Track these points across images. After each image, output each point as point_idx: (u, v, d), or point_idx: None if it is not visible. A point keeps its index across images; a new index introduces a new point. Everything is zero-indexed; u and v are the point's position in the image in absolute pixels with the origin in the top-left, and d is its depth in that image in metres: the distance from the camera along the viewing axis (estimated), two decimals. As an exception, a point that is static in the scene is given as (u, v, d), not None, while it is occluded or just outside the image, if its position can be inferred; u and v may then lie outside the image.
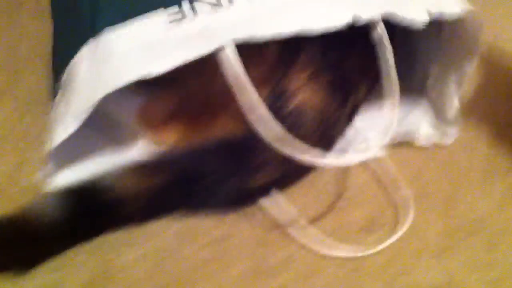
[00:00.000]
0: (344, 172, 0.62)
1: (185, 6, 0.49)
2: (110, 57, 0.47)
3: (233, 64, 0.47)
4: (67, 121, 0.48)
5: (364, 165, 0.61)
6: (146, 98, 0.60)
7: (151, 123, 0.60)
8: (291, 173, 0.58)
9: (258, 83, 0.51)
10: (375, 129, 0.62)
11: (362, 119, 0.63)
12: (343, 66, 0.57)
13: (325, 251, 0.54)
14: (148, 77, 0.45)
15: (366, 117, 0.64)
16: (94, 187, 0.52)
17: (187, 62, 0.46)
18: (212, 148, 0.55)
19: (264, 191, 0.57)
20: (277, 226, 0.56)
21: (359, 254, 0.53)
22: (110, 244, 0.53)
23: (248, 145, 0.55)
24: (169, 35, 0.48)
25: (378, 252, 0.54)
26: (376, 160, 0.61)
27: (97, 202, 0.52)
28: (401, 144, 0.62)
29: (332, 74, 0.56)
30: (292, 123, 0.54)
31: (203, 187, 0.54)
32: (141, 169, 0.54)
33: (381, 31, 0.52)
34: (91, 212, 0.52)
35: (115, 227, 0.53)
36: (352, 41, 0.56)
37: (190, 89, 0.59)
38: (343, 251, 0.54)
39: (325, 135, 0.57)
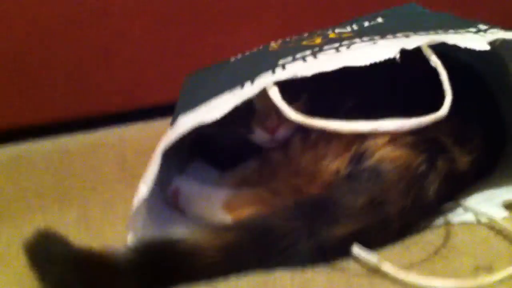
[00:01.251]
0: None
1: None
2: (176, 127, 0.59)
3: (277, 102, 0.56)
4: (140, 187, 0.56)
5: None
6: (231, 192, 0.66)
7: (234, 211, 0.63)
8: (375, 225, 0.56)
9: (343, 147, 0.61)
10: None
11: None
12: (425, 130, 0.59)
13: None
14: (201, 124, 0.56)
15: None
16: (168, 240, 0.54)
17: (234, 106, 0.56)
18: (288, 209, 0.56)
19: (344, 244, 0.55)
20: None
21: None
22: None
23: (325, 198, 0.58)
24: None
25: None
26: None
27: (169, 253, 0.53)
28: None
29: (413, 137, 0.60)
30: (372, 172, 0.58)
31: (279, 244, 0.54)
32: (215, 226, 0.56)
33: (435, 59, 0.58)
34: (162, 264, 0.52)
35: (186, 280, 0.52)
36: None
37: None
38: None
39: (413, 187, 0.58)
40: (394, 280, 0.51)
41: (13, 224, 0.69)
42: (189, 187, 0.66)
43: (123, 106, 1.08)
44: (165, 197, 0.67)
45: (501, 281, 0.49)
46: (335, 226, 0.54)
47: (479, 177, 0.66)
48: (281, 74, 0.57)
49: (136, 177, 0.76)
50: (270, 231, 0.54)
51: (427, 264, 0.53)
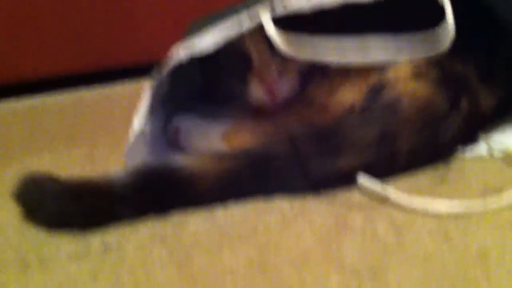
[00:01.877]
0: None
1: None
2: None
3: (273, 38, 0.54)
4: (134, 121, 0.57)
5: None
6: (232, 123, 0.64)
7: (234, 142, 0.61)
8: (383, 159, 0.54)
9: (362, 80, 0.57)
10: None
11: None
12: (452, 67, 0.57)
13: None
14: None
15: None
16: (168, 165, 0.53)
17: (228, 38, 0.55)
18: (292, 136, 0.54)
19: (349, 176, 0.53)
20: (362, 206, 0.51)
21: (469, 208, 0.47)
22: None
23: (330, 128, 0.55)
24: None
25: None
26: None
27: (168, 178, 0.52)
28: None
29: (439, 70, 0.57)
30: (390, 106, 0.55)
31: (280, 170, 0.52)
32: (215, 154, 0.54)
33: None
34: (161, 187, 0.51)
35: (183, 205, 0.52)
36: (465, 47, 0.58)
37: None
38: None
39: (430, 126, 0.55)
40: (397, 206, 0.49)
41: (21, 163, 0.69)
42: (188, 123, 0.65)
43: (137, 60, 1.07)
44: (167, 137, 0.66)
45: (508, 205, 0.47)
46: (341, 157, 0.52)
47: (500, 116, 0.62)
48: (279, 8, 0.54)
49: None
50: (270, 157, 0.52)
51: (434, 190, 0.51)
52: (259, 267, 0.42)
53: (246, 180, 0.52)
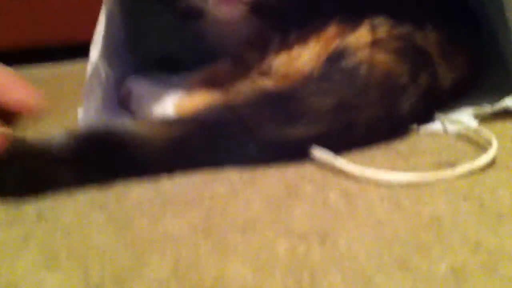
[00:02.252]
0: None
1: None
2: None
3: None
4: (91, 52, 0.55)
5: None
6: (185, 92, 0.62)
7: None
8: (339, 129, 0.52)
9: (321, 46, 0.56)
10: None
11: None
12: (414, 41, 0.57)
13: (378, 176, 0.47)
14: None
15: None
16: (111, 128, 0.50)
17: None
18: (243, 102, 0.52)
19: (303, 145, 0.51)
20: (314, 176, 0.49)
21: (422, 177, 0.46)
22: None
23: (285, 95, 0.53)
24: None
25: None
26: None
27: (112, 141, 0.49)
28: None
29: (401, 42, 0.56)
30: (348, 74, 0.53)
31: (230, 137, 0.50)
32: (162, 120, 0.52)
33: None
34: (104, 150, 0.48)
35: (128, 172, 0.49)
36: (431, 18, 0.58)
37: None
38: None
39: (388, 98, 0.54)
40: (350, 176, 0.47)
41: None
42: (141, 87, 0.62)
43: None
44: (118, 99, 0.63)
45: (463, 176, 0.46)
46: (296, 126, 0.50)
47: (456, 97, 0.62)
48: None
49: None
50: (220, 123, 0.50)
51: (387, 163, 0.50)
52: (203, 232, 0.39)
53: (195, 146, 0.49)
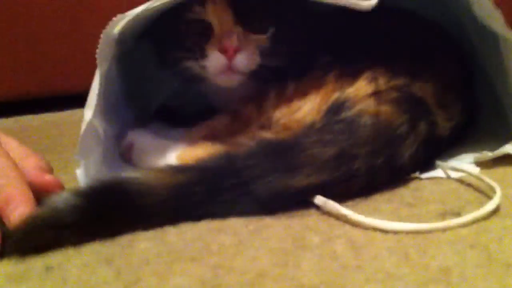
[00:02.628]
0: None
1: None
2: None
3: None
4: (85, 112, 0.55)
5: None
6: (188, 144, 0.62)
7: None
8: (341, 179, 0.53)
9: (321, 98, 0.58)
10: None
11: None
12: (411, 91, 0.58)
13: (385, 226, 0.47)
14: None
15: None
16: (116, 180, 0.50)
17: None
18: (245, 150, 0.53)
19: (305, 195, 0.52)
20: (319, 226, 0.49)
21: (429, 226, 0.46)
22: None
23: (286, 145, 0.53)
24: None
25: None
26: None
27: (117, 194, 0.49)
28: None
29: (399, 93, 0.57)
30: (349, 125, 0.54)
31: (235, 186, 0.50)
32: (165, 168, 0.52)
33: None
34: (111, 204, 0.48)
35: (133, 222, 0.49)
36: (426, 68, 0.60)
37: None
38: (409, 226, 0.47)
39: (388, 148, 0.55)
40: (356, 225, 0.47)
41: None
42: (143, 140, 0.63)
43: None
44: (119, 152, 0.63)
45: (469, 224, 0.46)
46: (297, 175, 0.51)
47: (454, 143, 0.63)
48: None
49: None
50: (224, 171, 0.51)
51: (392, 212, 0.50)
52: (212, 287, 0.39)
53: (198, 195, 0.50)
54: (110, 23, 0.55)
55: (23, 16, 1.02)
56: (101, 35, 0.55)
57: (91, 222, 0.48)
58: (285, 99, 0.60)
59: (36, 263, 0.45)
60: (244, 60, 0.60)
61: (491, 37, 0.60)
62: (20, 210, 0.47)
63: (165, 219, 0.49)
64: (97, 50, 0.56)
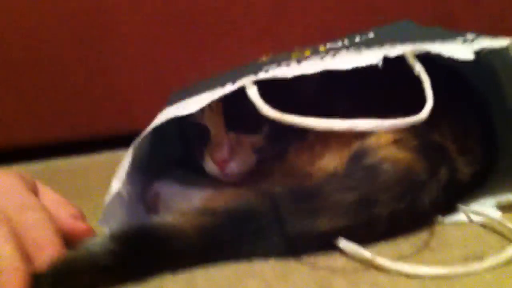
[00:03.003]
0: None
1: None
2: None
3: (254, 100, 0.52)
4: (113, 183, 0.57)
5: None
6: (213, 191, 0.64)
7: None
8: (362, 223, 0.54)
9: (342, 147, 0.59)
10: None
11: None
12: (432, 138, 0.60)
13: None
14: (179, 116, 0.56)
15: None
16: (146, 224, 0.53)
17: (211, 102, 0.56)
18: (271, 194, 0.54)
19: (328, 238, 0.53)
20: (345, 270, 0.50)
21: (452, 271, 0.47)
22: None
23: (310, 191, 0.55)
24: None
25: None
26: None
27: (147, 236, 0.51)
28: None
29: (420, 140, 0.58)
30: (370, 171, 0.55)
31: (258, 228, 0.52)
32: (194, 210, 0.54)
33: (419, 67, 0.55)
34: (142, 248, 0.50)
35: (163, 265, 0.50)
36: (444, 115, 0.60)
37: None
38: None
39: (409, 194, 0.55)
40: (380, 269, 0.48)
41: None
42: (169, 190, 0.65)
43: (117, 129, 1.08)
44: (145, 203, 0.65)
45: (492, 268, 0.47)
46: (320, 219, 0.52)
47: (476, 189, 0.64)
48: (262, 75, 0.56)
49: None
50: (250, 215, 0.52)
51: (416, 256, 0.51)
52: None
53: (226, 237, 0.51)
54: (157, 120, 0.58)
55: (51, 58, 1.06)
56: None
57: (125, 266, 0.49)
58: (306, 146, 0.62)
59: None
60: (236, 168, 0.63)
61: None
62: (48, 254, 0.49)
63: (193, 260, 0.51)
64: (135, 140, 0.58)
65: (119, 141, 1.04)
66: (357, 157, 0.57)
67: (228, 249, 0.52)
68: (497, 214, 0.58)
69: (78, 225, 0.54)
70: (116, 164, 0.91)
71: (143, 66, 1.08)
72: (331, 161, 0.59)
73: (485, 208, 0.59)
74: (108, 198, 0.56)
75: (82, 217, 0.57)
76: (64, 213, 0.55)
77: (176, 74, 1.08)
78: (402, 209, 0.55)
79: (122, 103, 1.08)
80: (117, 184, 0.56)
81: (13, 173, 0.57)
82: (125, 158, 0.57)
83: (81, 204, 0.75)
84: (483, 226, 0.56)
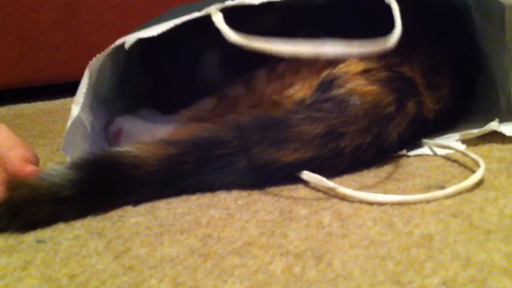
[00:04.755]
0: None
1: None
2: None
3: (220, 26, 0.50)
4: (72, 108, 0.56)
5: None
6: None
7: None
8: (328, 156, 0.54)
9: (312, 75, 0.58)
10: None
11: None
12: (401, 71, 0.59)
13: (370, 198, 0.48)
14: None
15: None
16: (109, 153, 0.52)
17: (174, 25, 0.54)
18: (235, 123, 0.54)
19: (292, 169, 0.53)
20: (307, 199, 0.50)
21: (413, 198, 0.47)
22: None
23: (275, 120, 0.54)
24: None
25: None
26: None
27: (110, 164, 0.50)
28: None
29: (389, 73, 0.58)
30: (338, 103, 0.55)
31: (222, 157, 0.51)
32: (158, 140, 0.53)
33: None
34: (105, 177, 0.49)
35: (126, 195, 0.50)
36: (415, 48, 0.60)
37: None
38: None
39: (376, 126, 0.55)
40: (341, 197, 0.49)
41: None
42: (131, 125, 0.63)
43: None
44: (108, 140, 0.64)
45: (452, 195, 0.47)
46: (284, 150, 0.52)
47: (442, 127, 0.64)
48: (229, 2, 0.54)
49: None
50: (214, 144, 0.51)
51: (379, 186, 0.51)
52: (201, 255, 0.40)
53: (190, 165, 0.51)
54: (117, 42, 0.56)
55: (15, 4, 1.03)
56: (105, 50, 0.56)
57: (85, 196, 0.48)
58: (276, 75, 0.61)
59: (28, 237, 0.46)
60: None
61: (495, 11, 0.61)
62: None
63: (156, 190, 0.51)
64: (92, 61, 0.56)
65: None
66: (325, 85, 0.56)
67: (191, 178, 0.51)
68: (461, 147, 0.58)
69: (25, 168, 0.53)
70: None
71: (109, 12, 1.05)
72: (299, 90, 0.58)
73: (449, 142, 0.59)
74: (68, 123, 0.55)
75: (34, 160, 0.56)
76: (15, 155, 0.54)
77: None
78: (368, 142, 0.54)
79: (86, 48, 1.06)
80: (76, 109, 0.55)
81: None
82: (82, 81, 0.56)
83: (43, 145, 0.75)
84: (447, 158, 0.57)
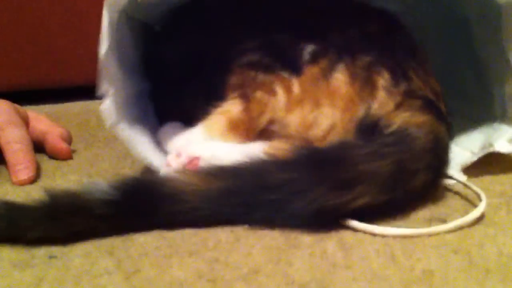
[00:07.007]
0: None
1: None
2: None
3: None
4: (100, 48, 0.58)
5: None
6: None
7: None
8: (398, 200, 0.51)
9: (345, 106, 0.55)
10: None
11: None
12: (425, 92, 0.58)
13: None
14: None
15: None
16: (151, 180, 0.53)
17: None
18: (291, 158, 0.51)
19: (354, 216, 0.50)
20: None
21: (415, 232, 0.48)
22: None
23: (337, 156, 0.51)
24: None
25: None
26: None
27: (150, 192, 0.50)
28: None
29: (418, 99, 0.56)
30: (399, 141, 0.52)
31: (273, 199, 0.49)
32: (201, 170, 0.52)
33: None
34: (142, 203, 0.49)
35: (162, 225, 0.50)
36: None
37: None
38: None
39: (438, 150, 0.54)
40: (347, 229, 0.50)
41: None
42: (212, 154, 0.58)
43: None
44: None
45: (454, 230, 0.48)
46: (349, 194, 0.48)
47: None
48: None
49: (96, 137, 0.77)
50: (263, 180, 0.49)
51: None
52: (209, 281, 0.42)
53: (232, 207, 0.49)
54: None
55: (25, 9, 1.04)
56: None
57: (120, 217, 0.49)
58: (294, 100, 0.57)
59: (39, 251, 0.47)
60: None
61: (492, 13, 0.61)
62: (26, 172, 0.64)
63: (196, 223, 0.50)
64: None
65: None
66: (367, 126, 0.53)
67: (237, 215, 0.50)
68: (462, 178, 0.59)
69: (62, 145, 0.72)
70: (87, 112, 0.91)
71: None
72: (331, 131, 0.56)
73: (451, 171, 0.60)
74: (100, 59, 0.57)
75: (68, 138, 0.76)
76: (52, 134, 0.73)
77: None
78: (433, 176, 0.53)
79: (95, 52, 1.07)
80: (103, 47, 0.58)
81: (6, 101, 0.73)
82: (103, 20, 0.59)
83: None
84: (449, 189, 0.58)
